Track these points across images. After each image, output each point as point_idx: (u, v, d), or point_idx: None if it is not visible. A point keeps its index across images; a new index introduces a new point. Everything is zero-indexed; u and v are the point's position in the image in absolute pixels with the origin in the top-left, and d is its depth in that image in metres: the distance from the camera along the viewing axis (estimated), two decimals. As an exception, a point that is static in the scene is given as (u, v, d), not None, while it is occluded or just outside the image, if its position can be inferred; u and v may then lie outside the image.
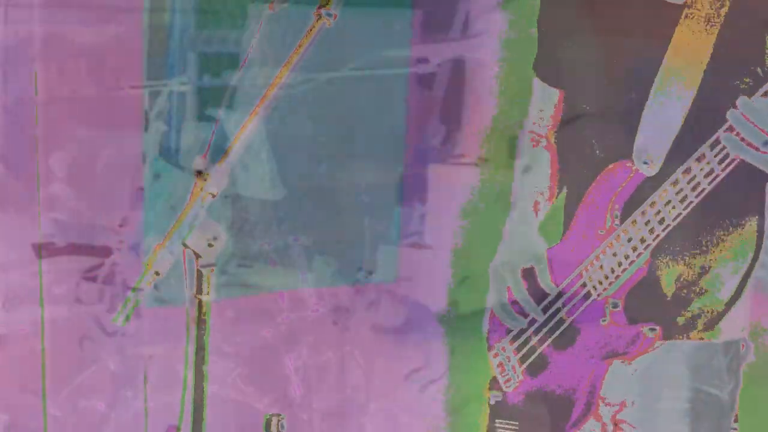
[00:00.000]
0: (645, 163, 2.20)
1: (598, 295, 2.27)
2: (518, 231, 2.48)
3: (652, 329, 2.24)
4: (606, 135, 2.32)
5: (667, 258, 2.23)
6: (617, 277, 2.23)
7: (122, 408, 2.85)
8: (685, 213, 2.14)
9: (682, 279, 2.22)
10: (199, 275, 2.31)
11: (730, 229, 2.19)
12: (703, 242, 2.19)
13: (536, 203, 2.50)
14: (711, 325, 2.24)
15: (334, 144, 3.02)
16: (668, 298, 2.27)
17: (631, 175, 2.22)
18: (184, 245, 2.28)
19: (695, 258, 2.21)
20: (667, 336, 2.26)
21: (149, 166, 3.05)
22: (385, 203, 3.06)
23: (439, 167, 3.00)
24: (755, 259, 2.25)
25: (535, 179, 2.54)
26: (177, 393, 2.86)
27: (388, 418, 2.92)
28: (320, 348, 2.99)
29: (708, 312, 2.25)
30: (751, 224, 2.20)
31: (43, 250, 3.05)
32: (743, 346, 2.30)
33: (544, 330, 2.38)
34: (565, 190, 2.44)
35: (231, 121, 2.37)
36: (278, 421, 2.25)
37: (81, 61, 3.04)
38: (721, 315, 2.26)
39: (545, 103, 2.52)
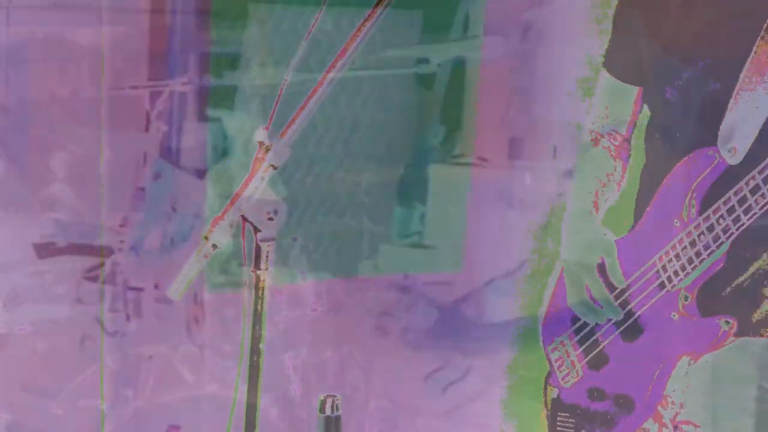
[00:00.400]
0: (730, 150, 2.09)
1: (672, 287, 2.16)
2: (579, 227, 2.40)
3: (728, 322, 2.10)
4: (688, 124, 2.22)
5: (748, 250, 2.10)
6: (694, 267, 2.12)
7: (122, 407, 2.85)
8: None
9: (760, 272, 2.08)
10: (258, 249, 2.26)
11: None
12: None
13: (596, 197, 2.41)
14: None
15: (335, 144, 3.03)
16: (744, 293, 2.13)
17: (714, 163, 2.10)
18: (243, 218, 2.23)
19: None
20: (741, 332, 2.12)
21: (150, 166, 3.06)
22: (386, 203, 3.07)
23: (440, 167, 3.01)
24: None
25: (594, 174, 2.45)
26: (177, 392, 2.86)
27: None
28: (319, 347, 3.00)
29: None
30: None
31: (43, 250, 3.05)
32: None
33: (610, 323, 2.28)
34: (637, 180, 2.34)
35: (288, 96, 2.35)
36: (333, 401, 2.22)
37: (82, 62, 3.04)
38: None
39: (613, 99, 2.42)
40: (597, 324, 2.32)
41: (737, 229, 2.04)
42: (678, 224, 2.14)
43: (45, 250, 3.06)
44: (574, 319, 2.38)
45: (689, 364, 2.15)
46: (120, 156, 3.10)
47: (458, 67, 3.01)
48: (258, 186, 2.25)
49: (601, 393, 2.31)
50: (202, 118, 3.10)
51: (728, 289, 2.11)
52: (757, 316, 2.09)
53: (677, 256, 2.14)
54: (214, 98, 3.09)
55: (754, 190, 1.99)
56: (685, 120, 2.23)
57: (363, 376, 2.99)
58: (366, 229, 3.07)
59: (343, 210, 3.07)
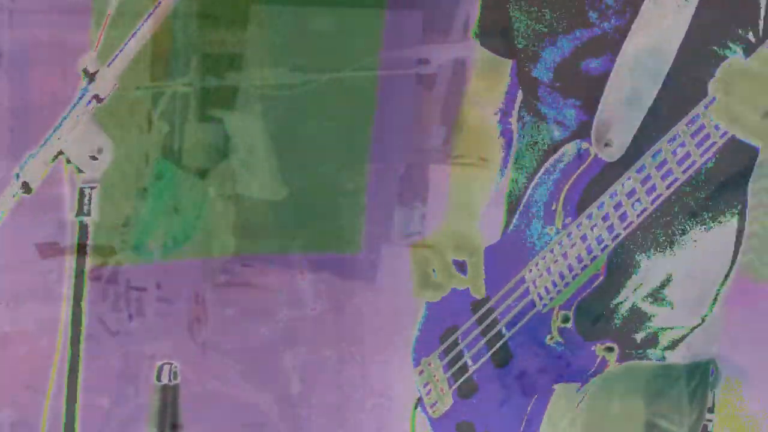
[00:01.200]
0: (607, 144, 1.71)
1: (544, 306, 1.77)
2: (457, 222, 1.94)
3: (610, 348, 1.73)
4: (563, 110, 1.82)
5: (628, 262, 1.74)
6: (567, 284, 1.72)
7: (125, 404, 2.86)
8: (652, 208, 1.63)
9: (644, 286, 1.75)
10: (81, 194, 1.99)
11: (705, 228, 1.74)
12: (673, 243, 1.72)
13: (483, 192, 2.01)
14: (675, 343, 1.78)
15: (336, 144, 3.03)
16: (627, 310, 1.78)
17: (589, 159, 1.73)
18: (62, 156, 1.89)
19: (661, 262, 1.74)
20: (624, 356, 1.77)
21: (152, 166, 3.07)
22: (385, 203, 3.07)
23: (440, 167, 3.01)
24: (732, 265, 1.81)
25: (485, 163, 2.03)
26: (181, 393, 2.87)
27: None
28: (318, 346, 3.00)
29: (671, 327, 1.79)
30: (731, 223, 1.77)
31: (46, 249, 3.07)
32: (713, 370, 1.83)
33: (478, 345, 1.87)
34: (511, 177, 1.94)
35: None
36: (170, 368, 1.99)
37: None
38: (688, 331, 1.81)
39: (492, 75, 2.00)
40: (466, 345, 1.88)
41: (613, 240, 1.69)
42: (551, 232, 1.77)
43: (48, 249, 3.07)
44: (444, 337, 1.97)
45: (567, 395, 1.80)
46: (123, 157, 3.12)
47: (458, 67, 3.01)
48: (80, 119, 1.88)
49: (470, 428, 1.91)
50: (204, 118, 3.11)
51: (609, 309, 1.77)
52: (640, 336, 1.79)
53: (548, 269, 1.78)
54: (216, 99, 3.10)
55: (631, 194, 1.65)
56: (555, 102, 1.84)
57: (360, 374, 3.00)
58: (367, 229, 3.07)
59: (343, 210, 3.08)
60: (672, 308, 1.77)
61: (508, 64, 1.96)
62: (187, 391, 2.95)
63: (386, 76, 3.04)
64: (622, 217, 1.66)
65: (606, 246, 1.68)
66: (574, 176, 1.73)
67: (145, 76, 3.09)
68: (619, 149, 1.71)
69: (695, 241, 1.75)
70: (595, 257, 1.70)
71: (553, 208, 1.77)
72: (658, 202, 1.62)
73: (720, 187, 1.73)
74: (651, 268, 1.77)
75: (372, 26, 2.99)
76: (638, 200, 1.63)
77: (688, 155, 1.60)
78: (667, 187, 1.61)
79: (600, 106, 1.72)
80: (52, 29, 2.95)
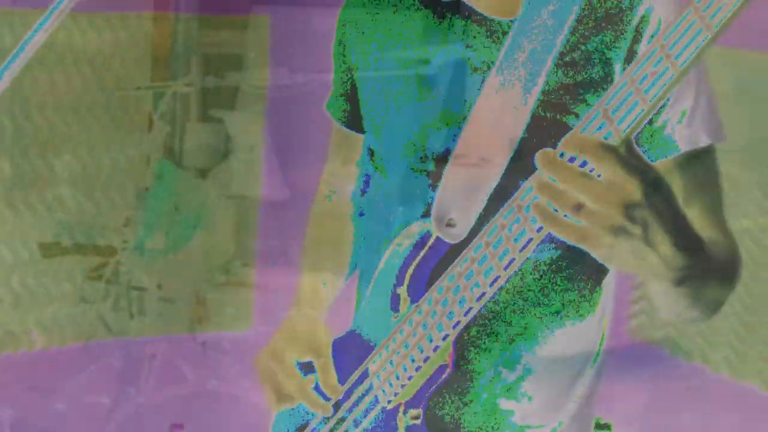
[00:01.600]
0: (449, 225, 1.50)
1: (389, 402, 1.55)
2: (300, 319, 1.71)
3: None
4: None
5: (476, 350, 1.52)
6: (410, 377, 1.51)
7: (125, 404, 2.86)
8: (490, 291, 1.41)
9: (493, 382, 1.55)
10: None
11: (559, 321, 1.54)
12: (512, 333, 1.54)
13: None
14: None
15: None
16: (481, 406, 1.56)
17: (431, 241, 1.51)
18: None
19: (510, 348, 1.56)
20: None
21: (153, 166, 3.07)
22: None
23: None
24: (600, 346, 1.59)
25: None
26: (180, 389, 2.88)
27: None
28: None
29: (532, 426, 1.58)
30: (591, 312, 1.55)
31: (48, 249, 3.07)
32: None
33: None
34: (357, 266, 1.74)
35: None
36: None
37: (87, 64, 3.06)
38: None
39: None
40: None
41: (453, 328, 1.48)
42: (397, 318, 1.56)
43: (50, 249, 3.08)
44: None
45: None
46: (124, 157, 3.12)
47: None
48: None
49: None
50: (205, 118, 3.12)
51: (462, 404, 1.59)
52: None
53: (391, 361, 1.58)
54: (216, 99, 3.11)
55: (468, 277, 1.44)
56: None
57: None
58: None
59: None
60: (530, 402, 1.57)
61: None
62: (188, 390, 2.96)
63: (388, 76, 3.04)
64: (461, 302, 1.45)
65: (447, 335, 1.47)
66: (418, 259, 1.53)
67: (145, 76, 3.11)
68: (462, 230, 1.49)
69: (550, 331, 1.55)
70: (437, 347, 1.50)
71: (398, 292, 1.57)
72: (495, 285, 1.40)
73: (570, 276, 1.52)
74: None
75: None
76: (476, 283, 1.42)
77: (506, 251, 1.38)
78: (505, 268, 1.39)
79: (442, 180, 1.50)
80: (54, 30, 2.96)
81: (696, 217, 1.34)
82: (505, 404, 1.52)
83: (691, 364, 3.46)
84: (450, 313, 1.46)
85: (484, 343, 1.54)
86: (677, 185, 1.31)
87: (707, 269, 1.27)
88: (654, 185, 1.16)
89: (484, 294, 1.37)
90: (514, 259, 1.30)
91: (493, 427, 1.53)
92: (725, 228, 1.42)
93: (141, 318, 3.00)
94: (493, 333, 1.50)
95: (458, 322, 1.43)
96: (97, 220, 3.09)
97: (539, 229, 1.27)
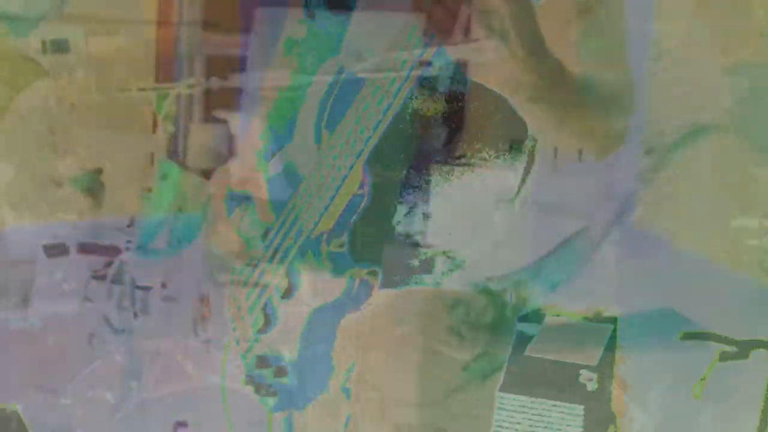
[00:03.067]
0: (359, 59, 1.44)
1: (310, 231, 1.50)
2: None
3: (372, 273, 1.48)
4: None
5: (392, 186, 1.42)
6: (326, 207, 1.45)
7: (129, 400, 2.88)
8: (386, 120, 1.34)
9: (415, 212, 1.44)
10: None
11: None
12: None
13: None
14: (451, 269, 1.48)
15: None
16: (401, 234, 1.49)
17: (344, 75, 1.44)
18: None
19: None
20: (399, 282, 1.50)
21: (157, 167, 3.08)
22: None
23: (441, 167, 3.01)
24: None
25: None
26: (183, 385, 2.89)
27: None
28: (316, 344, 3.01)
29: (448, 251, 1.49)
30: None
31: (53, 250, 3.09)
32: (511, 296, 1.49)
33: None
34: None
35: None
36: None
37: (90, 64, 3.07)
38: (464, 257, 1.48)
39: None
40: None
41: (357, 156, 1.44)
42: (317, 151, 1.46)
43: (55, 250, 3.09)
44: None
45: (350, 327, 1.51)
46: (128, 157, 3.13)
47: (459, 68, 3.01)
48: None
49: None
50: (208, 119, 3.12)
51: (383, 233, 1.52)
52: (415, 261, 1.51)
53: (310, 193, 1.55)
54: (220, 100, 3.11)
55: (365, 105, 1.35)
56: None
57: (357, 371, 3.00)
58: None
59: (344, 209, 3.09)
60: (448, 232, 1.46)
61: None
62: (190, 386, 2.97)
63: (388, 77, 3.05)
64: (362, 131, 1.37)
65: (353, 164, 1.41)
66: (334, 94, 1.46)
67: (149, 77, 3.12)
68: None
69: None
70: (345, 176, 1.44)
71: (322, 125, 1.50)
72: (390, 113, 1.32)
73: None
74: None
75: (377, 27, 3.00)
76: (372, 112, 1.32)
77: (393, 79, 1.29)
78: (394, 96, 1.29)
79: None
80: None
81: (592, 53, 1.34)
82: (419, 230, 1.50)
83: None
84: (353, 140, 1.38)
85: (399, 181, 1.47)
86: (574, 25, 1.31)
87: (568, 93, 1.26)
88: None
89: (380, 122, 1.39)
90: (401, 85, 1.34)
91: (411, 255, 1.50)
92: (624, 69, 1.40)
93: (145, 317, 3.01)
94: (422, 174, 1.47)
95: (361, 150, 1.37)
96: (101, 221, 3.10)
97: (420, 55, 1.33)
